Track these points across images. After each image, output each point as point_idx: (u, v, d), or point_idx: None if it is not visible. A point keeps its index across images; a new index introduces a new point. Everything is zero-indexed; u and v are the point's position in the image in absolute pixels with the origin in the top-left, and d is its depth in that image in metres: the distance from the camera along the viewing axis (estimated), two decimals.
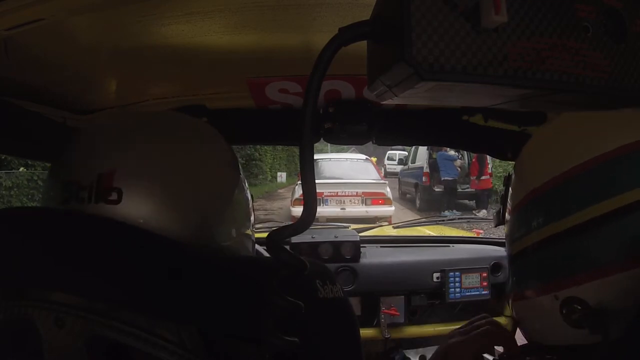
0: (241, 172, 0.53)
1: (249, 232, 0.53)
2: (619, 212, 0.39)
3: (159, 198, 0.43)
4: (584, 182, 0.42)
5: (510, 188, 0.53)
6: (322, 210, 5.77)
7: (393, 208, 6.64)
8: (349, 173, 7.04)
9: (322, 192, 6.12)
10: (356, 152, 12.30)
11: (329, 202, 6.28)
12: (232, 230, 0.49)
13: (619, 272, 0.39)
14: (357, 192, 6.43)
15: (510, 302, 0.54)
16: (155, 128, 0.49)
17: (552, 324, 0.45)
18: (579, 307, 0.41)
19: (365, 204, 6.44)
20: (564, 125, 0.49)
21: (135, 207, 0.42)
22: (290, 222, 0.39)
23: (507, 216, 0.53)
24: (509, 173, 0.53)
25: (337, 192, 6.36)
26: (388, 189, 6.74)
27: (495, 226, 0.56)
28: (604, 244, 0.41)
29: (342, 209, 6.33)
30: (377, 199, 6.46)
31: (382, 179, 7.30)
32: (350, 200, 6.41)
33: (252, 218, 0.55)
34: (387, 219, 6.07)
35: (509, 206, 0.52)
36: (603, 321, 0.40)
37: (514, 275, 0.53)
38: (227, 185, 0.49)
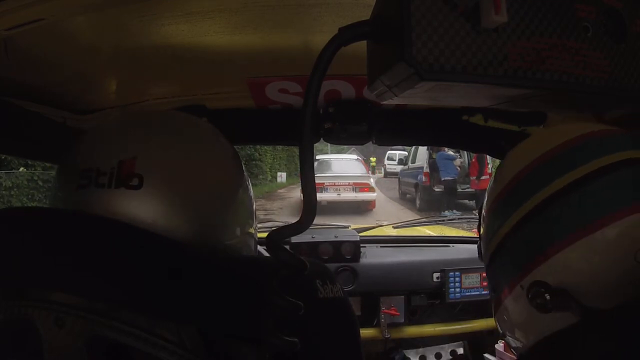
0: (245, 172, 0.53)
1: (252, 230, 0.54)
2: (559, 193, 0.43)
3: (174, 191, 0.43)
4: (527, 178, 0.46)
5: (482, 214, 0.55)
6: (322, 196, 8.04)
7: (375, 194, 9.17)
8: (344, 169, 9.49)
9: (323, 183, 8.41)
10: (355, 152, 15.34)
11: (328, 189, 8.57)
12: (237, 229, 0.49)
13: (566, 246, 0.42)
14: (349, 183, 8.84)
15: (494, 316, 0.55)
16: (172, 124, 0.50)
17: (526, 318, 0.47)
18: (542, 290, 0.42)
19: (355, 191, 8.86)
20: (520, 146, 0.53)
21: (154, 195, 0.42)
22: (290, 222, 0.39)
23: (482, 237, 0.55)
24: (481, 205, 0.55)
25: (335, 183, 8.72)
26: (372, 180, 9.35)
27: (481, 260, 0.57)
28: (552, 222, 0.43)
29: (338, 194, 8.66)
30: (364, 187, 8.91)
31: (368, 173, 9.88)
32: (344, 188, 8.79)
33: (255, 217, 0.55)
34: (371, 202, 8.87)
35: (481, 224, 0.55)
36: (565, 299, 0.41)
37: (490, 288, 0.54)
38: (234, 184, 0.50)
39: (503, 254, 0.49)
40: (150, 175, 0.42)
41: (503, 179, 0.50)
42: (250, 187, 0.54)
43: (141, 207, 0.42)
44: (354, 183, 8.83)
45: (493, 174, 0.55)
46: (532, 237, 0.45)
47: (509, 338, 0.52)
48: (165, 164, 0.44)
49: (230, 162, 0.51)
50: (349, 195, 8.71)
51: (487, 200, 0.53)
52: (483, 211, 0.54)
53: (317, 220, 0.39)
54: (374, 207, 8.96)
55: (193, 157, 0.47)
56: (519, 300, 0.46)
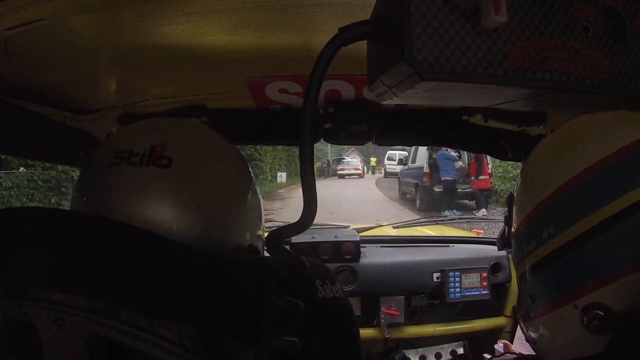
0: (252, 175, 0.55)
1: (260, 232, 0.55)
2: (630, 210, 0.39)
3: (197, 181, 0.46)
4: (591, 186, 0.42)
5: (515, 204, 0.51)
6: (343, 172, 21.86)
7: (361, 170, 22.76)
8: (350, 163, 23.47)
9: (344, 168, 22.18)
10: (355, 153, 27.58)
11: (345, 170, 22.00)
12: (247, 233, 0.51)
13: (637, 270, 0.38)
14: (352, 167, 22.71)
15: (522, 323, 0.51)
16: (197, 127, 0.55)
17: (573, 336, 0.43)
18: (601, 313, 0.39)
19: (354, 170, 22.27)
20: (565, 133, 0.49)
21: (180, 177, 0.45)
22: (290, 222, 0.39)
23: (513, 235, 0.51)
24: (511, 193, 0.52)
25: (348, 168, 22.48)
26: (360, 165, 23.04)
27: (499, 250, 0.55)
28: (619, 243, 0.39)
29: (348, 171, 21.93)
30: (357, 169, 22.37)
31: (359, 165, 23.19)
32: (351, 170, 22.23)
33: (262, 219, 0.56)
34: (361, 174, 22.37)
35: (515, 222, 0.51)
36: (631, 322, 0.38)
37: (526, 293, 0.50)
38: (245, 187, 0.52)
39: (555, 267, 0.44)
40: (179, 160, 0.45)
41: (558, 175, 0.44)
42: (258, 190, 0.56)
43: (167, 187, 0.44)
44: (353, 168, 22.04)
45: (530, 164, 0.50)
46: (600, 253, 0.40)
47: (541, 343, 0.49)
48: (191, 154, 0.48)
49: (242, 168, 0.53)
50: (352, 171, 21.74)
51: (523, 207, 0.48)
52: (515, 214, 0.49)
53: (319, 216, 0.39)
54: (363, 176, 21.92)
55: (213, 157, 0.50)
56: (569, 318, 0.42)
